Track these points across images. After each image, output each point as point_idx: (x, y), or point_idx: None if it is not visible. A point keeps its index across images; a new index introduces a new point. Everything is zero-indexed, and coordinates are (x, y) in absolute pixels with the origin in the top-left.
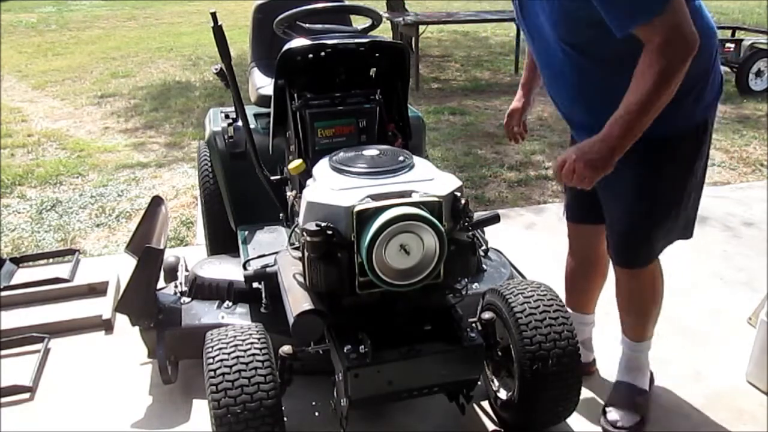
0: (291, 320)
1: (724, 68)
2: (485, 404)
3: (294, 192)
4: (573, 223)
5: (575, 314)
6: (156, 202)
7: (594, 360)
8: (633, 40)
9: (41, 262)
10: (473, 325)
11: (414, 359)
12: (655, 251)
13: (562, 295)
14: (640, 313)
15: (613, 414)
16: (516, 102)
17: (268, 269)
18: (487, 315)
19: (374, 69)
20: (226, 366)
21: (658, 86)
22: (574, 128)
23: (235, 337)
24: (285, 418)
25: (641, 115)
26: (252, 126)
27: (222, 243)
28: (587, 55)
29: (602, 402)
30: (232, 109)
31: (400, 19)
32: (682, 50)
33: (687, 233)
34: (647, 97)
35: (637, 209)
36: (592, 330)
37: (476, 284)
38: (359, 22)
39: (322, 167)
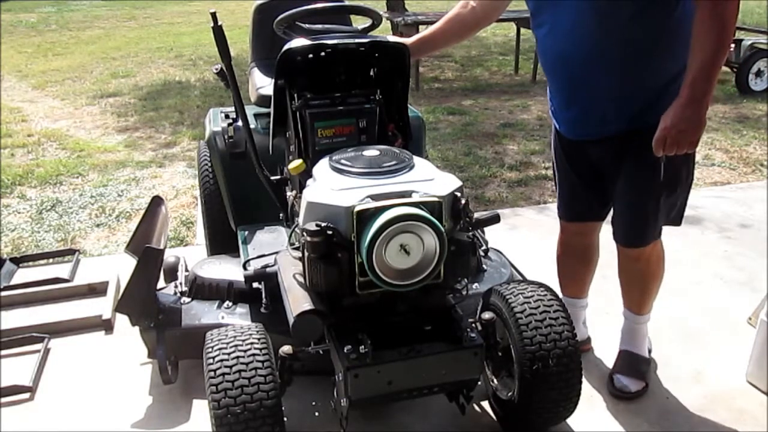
0: (291, 320)
1: (724, 68)
2: (485, 404)
3: (294, 192)
4: (569, 222)
5: (571, 299)
6: (156, 202)
7: (589, 338)
8: None
9: (41, 262)
10: (473, 325)
11: (414, 359)
12: (659, 229)
13: (560, 292)
14: (644, 289)
15: (620, 380)
16: (404, 41)
17: (268, 269)
18: (487, 315)
19: (374, 69)
20: (226, 366)
21: (722, 40)
22: (573, 106)
23: (235, 337)
24: (285, 418)
25: (716, 67)
26: (252, 126)
27: (222, 243)
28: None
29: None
30: (232, 109)
31: (400, 18)
32: (731, 6)
33: (677, 219)
34: (717, 51)
35: (646, 191)
36: (585, 311)
37: (476, 284)
38: (359, 22)
39: (322, 167)
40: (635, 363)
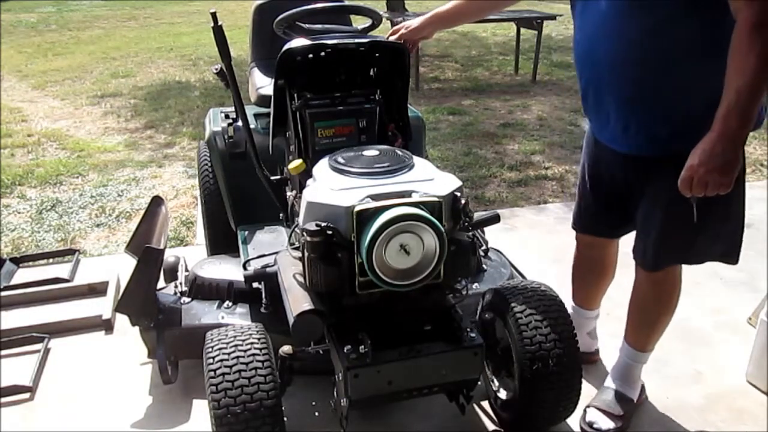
0: (291, 320)
1: None
2: (485, 404)
3: (294, 192)
4: (582, 234)
5: (581, 309)
6: (156, 202)
7: (597, 350)
8: None
9: (41, 262)
10: (473, 325)
11: (414, 359)
12: (681, 259)
13: (563, 295)
14: (651, 320)
15: (591, 415)
16: (416, 22)
17: (268, 269)
18: (487, 315)
19: (374, 69)
20: (226, 366)
21: (763, 65)
22: (598, 107)
23: (235, 337)
24: (285, 418)
25: (754, 97)
26: (252, 126)
27: (222, 243)
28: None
29: None
30: (232, 109)
31: (400, 18)
32: None
33: (731, 257)
34: (755, 78)
35: (674, 214)
36: (596, 321)
37: (476, 284)
38: (359, 22)
39: (322, 167)
40: (614, 400)
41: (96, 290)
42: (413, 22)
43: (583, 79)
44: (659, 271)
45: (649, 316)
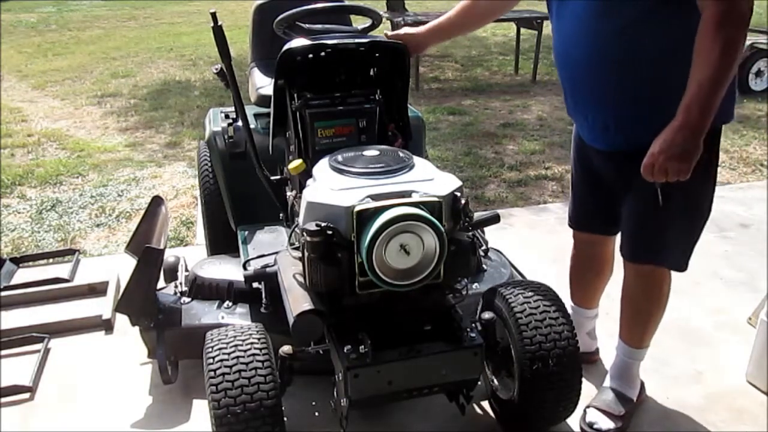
0: (291, 320)
1: None
2: (485, 404)
3: (294, 192)
4: (579, 232)
5: (578, 308)
6: (156, 202)
7: (597, 349)
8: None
9: (41, 262)
10: (473, 325)
11: (414, 359)
12: (667, 254)
13: (563, 295)
14: (642, 315)
15: (591, 415)
16: (416, 30)
17: (268, 269)
18: (487, 315)
19: (374, 69)
20: (226, 366)
21: (725, 60)
22: (579, 107)
23: (235, 337)
24: (285, 418)
25: (715, 90)
26: (252, 126)
27: (222, 243)
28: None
29: None
30: (232, 109)
31: (400, 19)
32: (738, 21)
33: (680, 261)
34: (717, 72)
35: (649, 213)
36: (595, 321)
37: (476, 284)
38: (359, 22)
39: (322, 167)
40: (614, 400)
41: (96, 290)
42: (414, 31)
43: (563, 80)
44: (645, 265)
45: (641, 313)
